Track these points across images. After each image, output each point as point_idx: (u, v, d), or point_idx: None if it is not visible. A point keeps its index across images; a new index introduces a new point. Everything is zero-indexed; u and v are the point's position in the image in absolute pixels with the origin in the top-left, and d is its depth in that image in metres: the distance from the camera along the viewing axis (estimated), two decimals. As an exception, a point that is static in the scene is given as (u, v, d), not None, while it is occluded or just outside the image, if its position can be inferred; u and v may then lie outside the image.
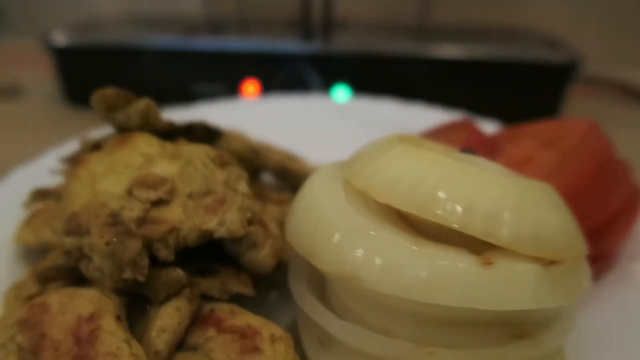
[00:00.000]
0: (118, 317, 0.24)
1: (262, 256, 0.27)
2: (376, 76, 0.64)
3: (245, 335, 0.24)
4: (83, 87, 0.70)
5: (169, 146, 0.31)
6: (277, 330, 0.24)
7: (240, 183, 0.28)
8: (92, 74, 0.67)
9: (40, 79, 0.77)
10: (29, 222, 0.33)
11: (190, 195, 0.27)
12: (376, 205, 0.24)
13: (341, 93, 0.65)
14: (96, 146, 0.33)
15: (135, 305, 0.25)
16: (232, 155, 0.32)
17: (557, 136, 0.37)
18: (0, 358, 0.23)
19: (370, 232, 0.22)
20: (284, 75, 0.65)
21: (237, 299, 0.27)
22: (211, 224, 0.25)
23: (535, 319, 0.23)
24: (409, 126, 0.49)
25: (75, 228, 0.25)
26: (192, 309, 0.25)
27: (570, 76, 0.63)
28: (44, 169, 0.39)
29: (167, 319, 0.24)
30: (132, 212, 0.25)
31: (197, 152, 0.30)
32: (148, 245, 0.24)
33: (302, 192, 0.28)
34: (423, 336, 0.22)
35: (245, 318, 0.25)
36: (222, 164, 0.29)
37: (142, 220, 0.25)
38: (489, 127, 0.49)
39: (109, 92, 0.31)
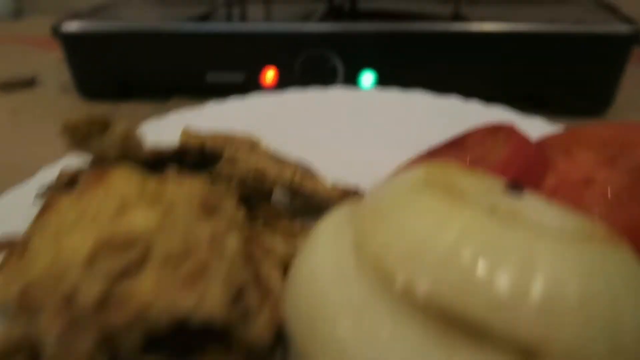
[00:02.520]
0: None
1: (257, 328, 0.22)
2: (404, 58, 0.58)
3: None
4: (92, 76, 0.66)
5: (151, 184, 0.26)
6: None
7: (230, 237, 0.23)
8: (100, 62, 0.63)
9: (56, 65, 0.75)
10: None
11: (167, 259, 0.22)
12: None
13: (367, 78, 0.59)
14: (73, 180, 0.29)
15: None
16: (228, 192, 0.27)
17: (622, 146, 0.30)
18: None
19: (388, 332, 0.17)
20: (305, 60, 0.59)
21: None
22: (186, 303, 0.20)
23: None
24: (443, 123, 0.43)
25: (27, 304, 0.21)
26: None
27: (631, 47, 0.55)
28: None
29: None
30: (91, 288, 0.21)
31: (182, 194, 0.25)
32: (107, 336, 0.20)
33: (304, 251, 0.23)
34: None
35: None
36: (209, 211, 0.24)
37: (102, 301, 0.20)
38: (534, 126, 0.42)
39: (79, 121, 0.26)
